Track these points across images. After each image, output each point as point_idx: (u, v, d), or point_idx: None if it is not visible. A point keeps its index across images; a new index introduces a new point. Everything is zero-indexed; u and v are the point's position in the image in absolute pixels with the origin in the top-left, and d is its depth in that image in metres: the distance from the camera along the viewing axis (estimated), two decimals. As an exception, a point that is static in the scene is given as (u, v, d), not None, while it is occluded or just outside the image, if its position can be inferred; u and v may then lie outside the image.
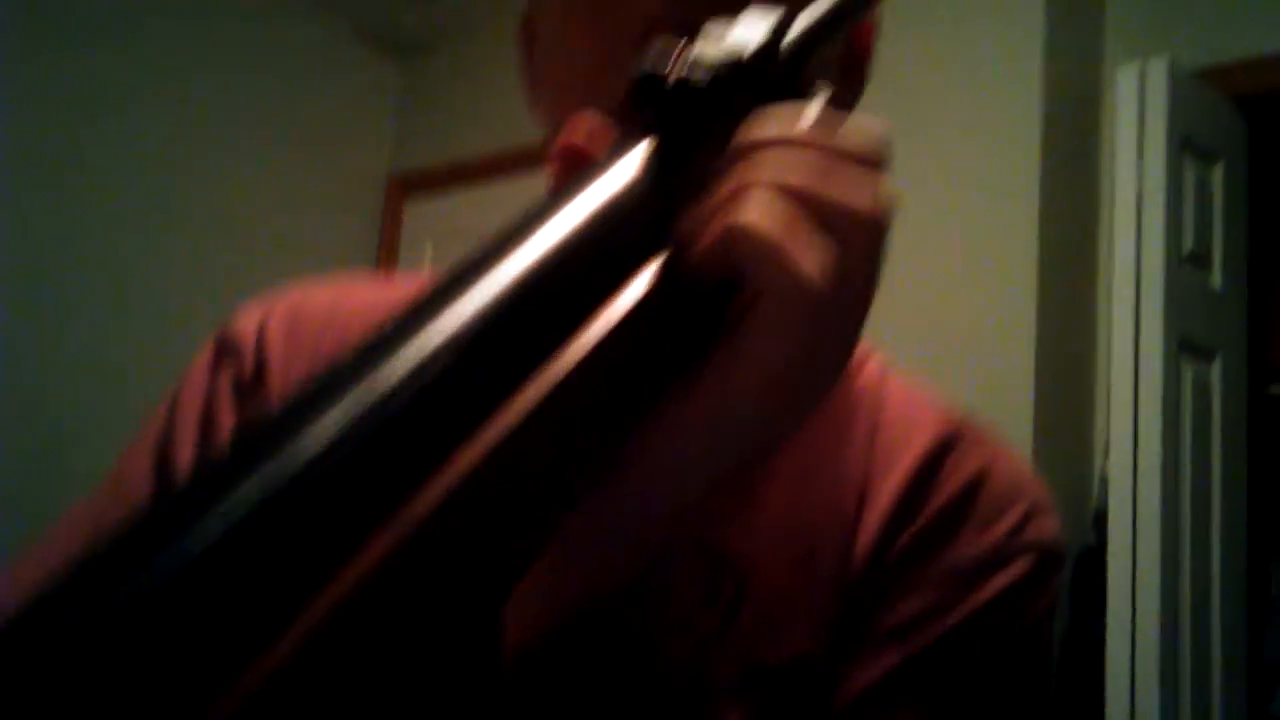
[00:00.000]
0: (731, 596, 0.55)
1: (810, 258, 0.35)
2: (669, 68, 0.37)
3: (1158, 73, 2.37)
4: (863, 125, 0.38)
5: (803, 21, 0.43)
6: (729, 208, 0.36)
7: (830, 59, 0.59)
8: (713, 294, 0.37)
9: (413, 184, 3.90)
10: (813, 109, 0.39)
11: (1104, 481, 2.42)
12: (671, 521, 0.41)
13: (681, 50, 0.38)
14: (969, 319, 2.52)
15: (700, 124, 0.38)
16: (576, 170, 0.38)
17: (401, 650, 0.28)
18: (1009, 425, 2.42)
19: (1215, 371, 2.52)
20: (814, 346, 0.37)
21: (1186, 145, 2.43)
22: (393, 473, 0.28)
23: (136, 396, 3.10)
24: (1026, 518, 0.59)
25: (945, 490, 0.58)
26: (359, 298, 0.70)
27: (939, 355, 2.54)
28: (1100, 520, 2.41)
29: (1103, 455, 2.47)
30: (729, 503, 0.56)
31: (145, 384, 3.11)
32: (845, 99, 0.63)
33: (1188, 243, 2.43)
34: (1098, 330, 2.62)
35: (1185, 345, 2.39)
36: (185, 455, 0.59)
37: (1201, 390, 2.45)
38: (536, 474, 0.32)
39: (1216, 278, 2.55)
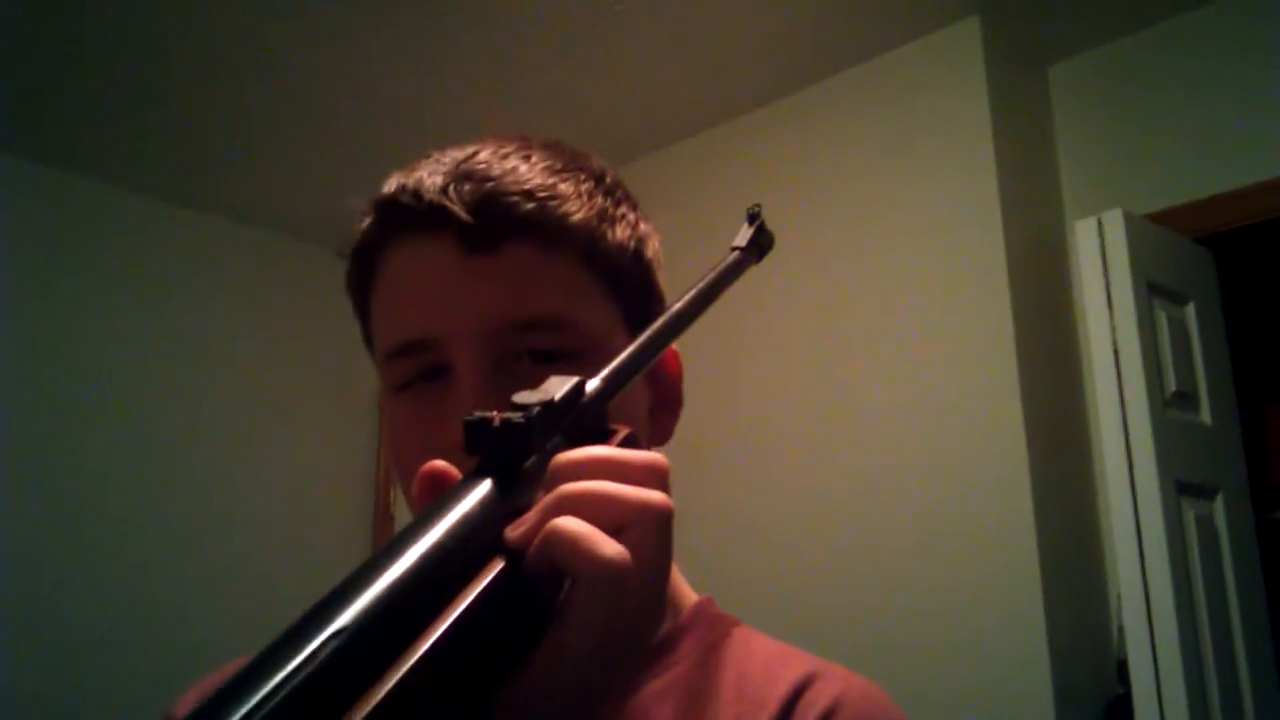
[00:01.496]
0: None
1: (608, 544, 0.45)
2: (494, 415, 0.48)
3: (1114, 224, 2.43)
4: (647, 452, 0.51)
5: (598, 378, 0.56)
6: (547, 516, 0.46)
7: (640, 397, 0.75)
8: (545, 584, 0.47)
9: (407, 391, 3.95)
10: (613, 441, 0.52)
11: (1122, 629, 2.39)
12: None
13: (502, 411, 0.49)
14: (962, 489, 2.53)
15: (522, 455, 0.49)
16: (437, 488, 0.49)
17: None
18: (1016, 588, 2.41)
19: (1219, 507, 2.51)
20: (621, 608, 0.46)
21: (1155, 289, 2.47)
22: None
23: (146, 605, 3.21)
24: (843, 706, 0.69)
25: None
26: None
27: (936, 530, 2.54)
28: (1124, 668, 2.37)
29: (1118, 604, 2.45)
30: None
31: (155, 592, 3.24)
32: (664, 422, 0.80)
33: (1171, 384, 2.45)
34: (1095, 481, 2.62)
35: (1184, 487, 2.39)
36: None
37: (1206, 528, 2.44)
38: None
39: (1206, 414, 2.56)
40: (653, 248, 0.81)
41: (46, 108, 3.06)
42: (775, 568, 2.82)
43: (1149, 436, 2.31)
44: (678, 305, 0.67)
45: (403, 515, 3.82)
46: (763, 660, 0.73)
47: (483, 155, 0.72)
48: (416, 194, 0.70)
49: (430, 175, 0.71)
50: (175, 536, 3.41)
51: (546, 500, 0.47)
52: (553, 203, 0.71)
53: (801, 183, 3.04)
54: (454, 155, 0.72)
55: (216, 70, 2.94)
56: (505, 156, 0.72)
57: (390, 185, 0.73)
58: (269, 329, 3.77)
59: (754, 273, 2.91)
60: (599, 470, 0.48)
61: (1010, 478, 2.47)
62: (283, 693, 0.36)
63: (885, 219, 2.83)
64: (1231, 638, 2.41)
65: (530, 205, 0.70)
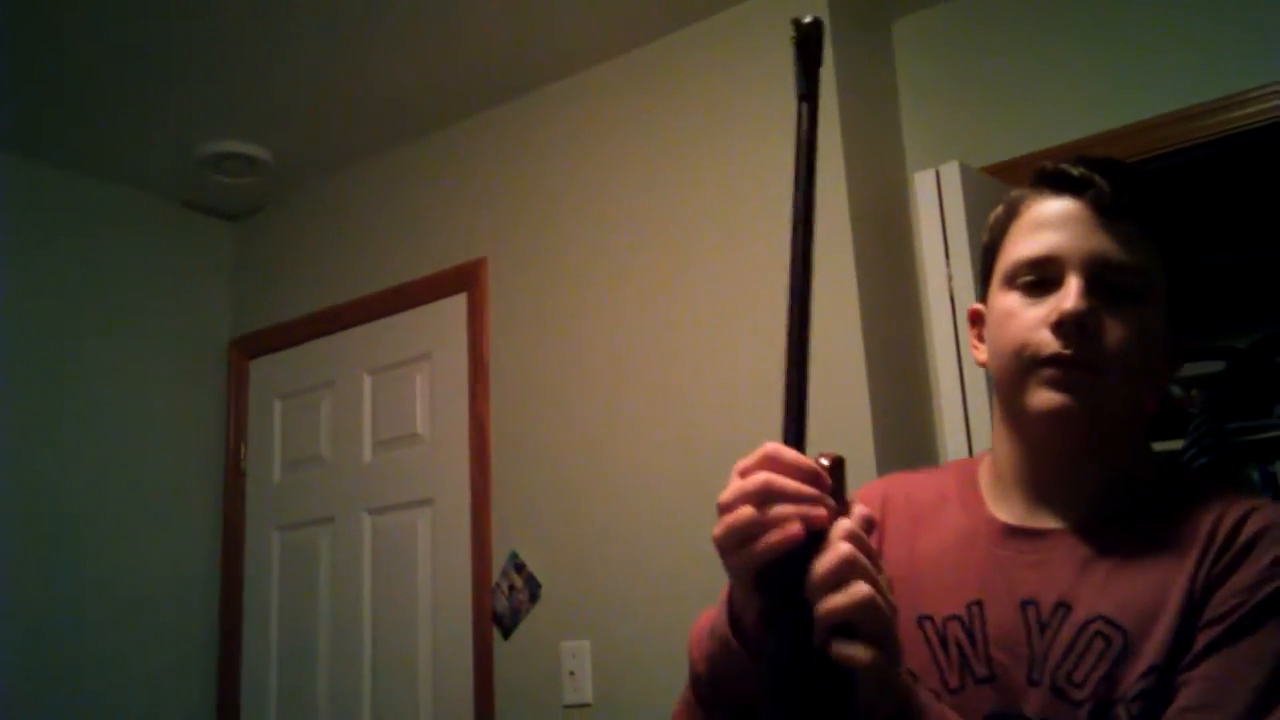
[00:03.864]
0: (1117, 645, 0.99)
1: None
2: (826, 459, 0.90)
3: (951, 176, 2.51)
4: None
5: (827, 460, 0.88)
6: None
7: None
8: None
9: (253, 344, 3.87)
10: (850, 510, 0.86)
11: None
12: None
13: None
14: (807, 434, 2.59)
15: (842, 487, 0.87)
16: (771, 461, 0.90)
17: None
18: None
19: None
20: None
21: (989, 239, 2.56)
22: None
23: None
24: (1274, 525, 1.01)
25: (1239, 541, 1.00)
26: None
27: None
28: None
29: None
30: (1113, 579, 1.02)
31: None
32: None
33: (1005, 331, 2.54)
34: (935, 421, 2.72)
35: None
36: None
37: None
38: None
39: (1038, 361, 2.67)
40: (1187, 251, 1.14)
41: None
42: (632, 519, 2.87)
43: (984, 381, 2.40)
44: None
45: (253, 471, 3.75)
46: (1208, 495, 1.06)
47: (1115, 163, 1.11)
48: (1063, 171, 1.10)
49: (1078, 163, 1.10)
50: (19, 492, 3.30)
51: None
52: (1161, 208, 1.10)
53: (642, 140, 3.06)
54: (1093, 157, 1.12)
55: (51, 16, 2.81)
56: (1121, 167, 1.11)
57: (1042, 166, 1.13)
58: (113, 281, 3.64)
59: (595, 237, 2.92)
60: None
61: (853, 420, 2.54)
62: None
63: (729, 174, 2.87)
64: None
65: (1146, 205, 1.08)
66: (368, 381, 3.56)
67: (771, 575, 0.82)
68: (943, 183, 2.53)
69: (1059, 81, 2.75)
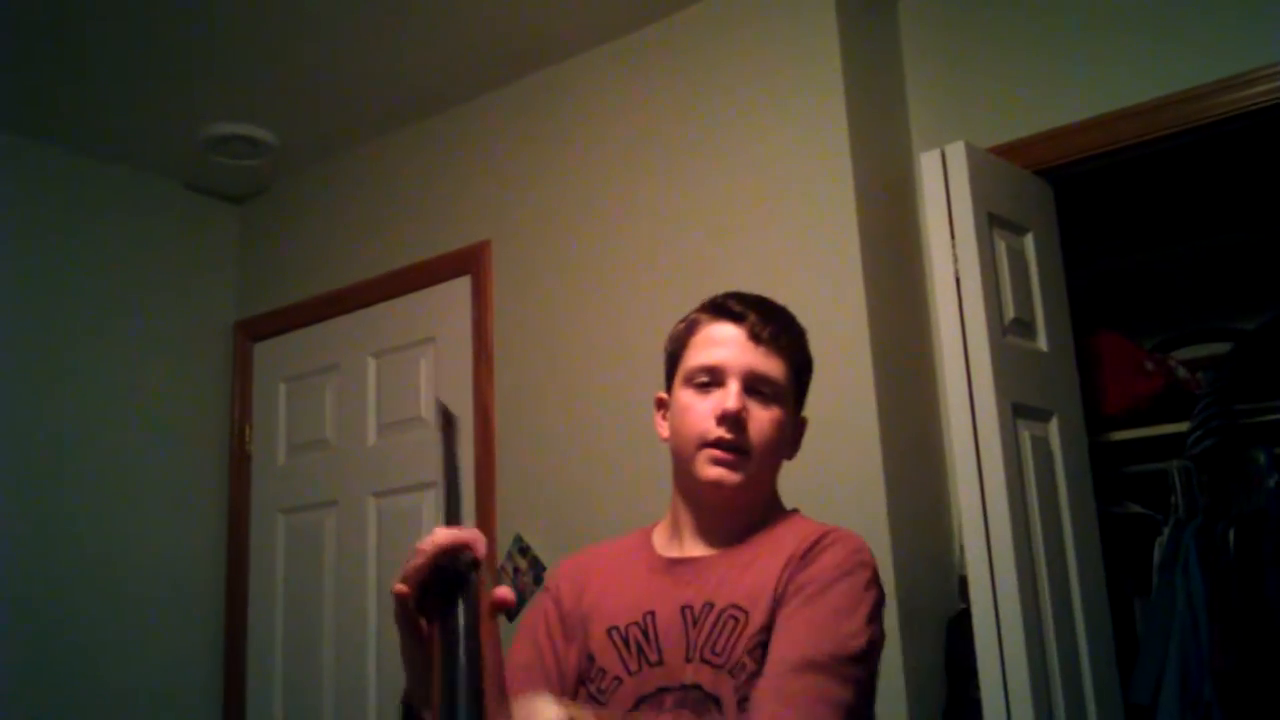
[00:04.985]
0: (743, 621, 1.38)
1: None
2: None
3: (957, 155, 2.49)
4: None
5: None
6: None
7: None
8: None
9: (258, 327, 3.87)
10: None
11: (963, 548, 2.48)
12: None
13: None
14: (809, 413, 2.58)
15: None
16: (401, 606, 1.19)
17: None
18: (863, 508, 2.48)
19: (1053, 429, 2.62)
20: None
21: (995, 220, 2.55)
22: None
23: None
24: (834, 542, 1.44)
25: (814, 551, 1.42)
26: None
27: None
28: (965, 585, 2.46)
29: (960, 523, 2.53)
30: (739, 580, 1.42)
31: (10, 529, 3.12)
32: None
33: (1009, 311, 2.53)
34: (938, 405, 2.71)
35: (1020, 409, 2.47)
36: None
37: (1041, 448, 2.54)
38: None
39: (1042, 341, 2.66)
40: (809, 364, 1.59)
41: None
42: (636, 502, 2.86)
43: (988, 361, 2.39)
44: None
45: (258, 454, 3.75)
46: (801, 528, 1.47)
47: (764, 302, 1.55)
48: (729, 305, 1.52)
49: (739, 301, 1.52)
50: (25, 475, 3.30)
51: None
52: (792, 337, 1.53)
53: (653, 117, 3.05)
54: (748, 296, 1.55)
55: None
56: (769, 305, 1.54)
57: (713, 299, 1.56)
58: (116, 264, 3.64)
59: (599, 219, 2.91)
60: None
61: (856, 403, 2.54)
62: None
63: (736, 152, 2.86)
64: (1064, 551, 2.52)
65: (782, 336, 1.51)
66: (372, 365, 3.56)
67: (435, 597, 1.10)
68: (949, 162, 2.51)
69: (1065, 61, 2.73)
